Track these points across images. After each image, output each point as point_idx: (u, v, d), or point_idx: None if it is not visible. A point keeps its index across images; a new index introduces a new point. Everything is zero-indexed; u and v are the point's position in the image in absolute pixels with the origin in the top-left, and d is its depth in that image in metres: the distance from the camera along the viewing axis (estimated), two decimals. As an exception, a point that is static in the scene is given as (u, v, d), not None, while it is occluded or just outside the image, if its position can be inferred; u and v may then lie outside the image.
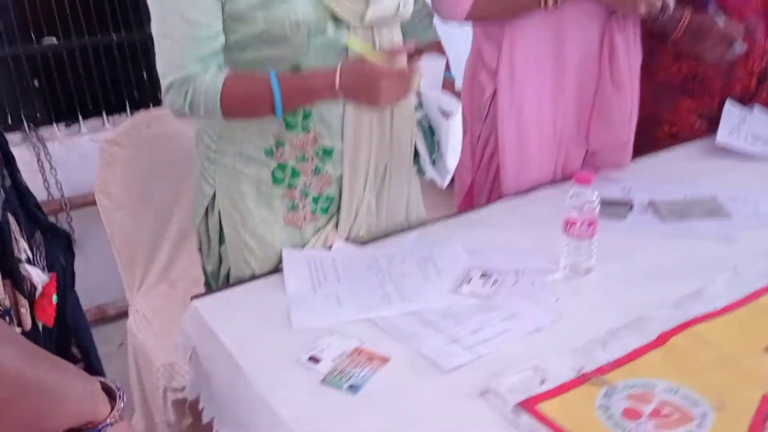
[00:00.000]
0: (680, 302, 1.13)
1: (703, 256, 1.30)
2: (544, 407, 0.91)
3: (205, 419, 1.09)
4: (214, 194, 1.28)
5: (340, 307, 1.16)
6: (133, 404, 1.80)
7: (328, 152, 1.27)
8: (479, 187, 1.74)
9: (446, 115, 1.27)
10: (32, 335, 0.74)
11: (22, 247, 0.73)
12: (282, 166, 1.25)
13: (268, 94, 1.11)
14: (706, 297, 1.14)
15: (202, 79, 1.11)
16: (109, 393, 0.69)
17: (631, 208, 1.50)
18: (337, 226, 1.34)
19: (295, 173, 1.26)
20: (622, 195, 1.58)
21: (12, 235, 0.71)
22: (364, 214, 1.36)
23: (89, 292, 2.50)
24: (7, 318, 0.70)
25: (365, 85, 1.10)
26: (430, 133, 1.34)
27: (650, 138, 1.83)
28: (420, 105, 1.35)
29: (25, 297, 0.72)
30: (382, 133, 1.31)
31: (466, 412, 0.93)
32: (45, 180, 2.40)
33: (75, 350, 0.94)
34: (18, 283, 0.71)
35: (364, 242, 1.38)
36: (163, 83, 1.13)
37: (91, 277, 2.32)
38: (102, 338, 2.46)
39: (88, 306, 2.47)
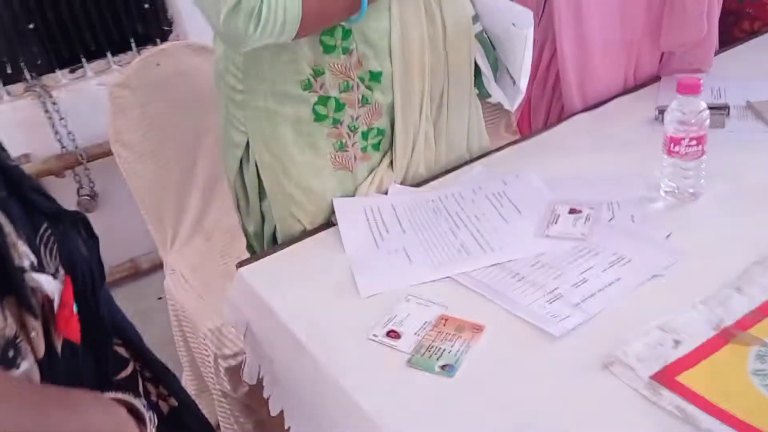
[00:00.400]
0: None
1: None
2: (686, 378, 0.75)
3: (273, 411, 0.95)
4: (247, 143, 1.09)
5: (411, 265, 0.99)
6: (181, 364, 1.69)
7: (375, 76, 1.07)
8: (536, 101, 1.53)
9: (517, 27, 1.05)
10: (48, 362, 0.58)
11: (22, 252, 0.56)
12: (324, 100, 1.05)
13: None
14: None
15: (281, 1, 0.89)
16: (137, 414, 0.61)
17: (728, 113, 1.29)
18: (392, 164, 1.15)
19: (339, 106, 1.06)
20: (712, 99, 1.36)
21: (6, 239, 0.54)
22: (422, 146, 1.16)
23: (120, 247, 2.41)
24: (12, 351, 0.54)
25: None
26: (492, 48, 1.13)
27: (729, 37, 1.58)
28: (477, 16, 1.13)
29: (35, 316, 0.56)
30: (435, 50, 1.10)
31: (588, 388, 0.77)
32: (56, 132, 2.22)
33: (121, 350, 0.79)
34: (24, 299, 0.55)
35: (424, 180, 1.19)
36: (224, 7, 0.88)
37: (119, 231, 2.20)
38: (138, 293, 2.39)
39: (120, 261, 2.34)
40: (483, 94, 1.19)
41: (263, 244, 1.18)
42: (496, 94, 1.16)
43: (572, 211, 1.06)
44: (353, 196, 1.14)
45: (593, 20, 1.35)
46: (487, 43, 1.13)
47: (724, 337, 0.79)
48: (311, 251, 1.07)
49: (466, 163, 1.25)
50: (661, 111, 1.31)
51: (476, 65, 1.16)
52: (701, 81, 1.00)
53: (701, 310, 0.83)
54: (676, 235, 0.98)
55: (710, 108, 1.27)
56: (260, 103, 1.05)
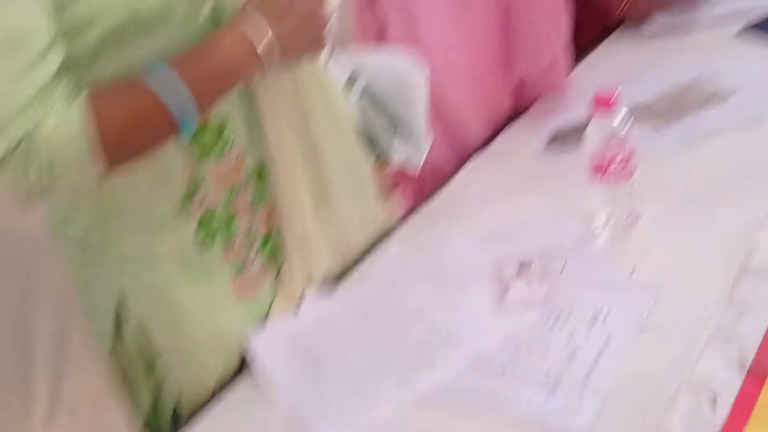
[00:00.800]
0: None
1: (739, 151, 1.06)
2: (749, 442, 0.63)
3: None
4: (119, 302, 0.85)
5: (370, 392, 0.80)
6: None
7: (261, 170, 0.89)
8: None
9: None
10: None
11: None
12: (208, 217, 0.84)
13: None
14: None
15: (49, 126, 0.68)
16: None
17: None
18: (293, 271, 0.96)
19: (228, 218, 0.86)
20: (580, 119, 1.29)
21: None
22: (319, 240, 0.98)
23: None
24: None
25: (303, 18, 0.79)
26: (381, 104, 0.99)
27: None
28: (353, 76, 0.99)
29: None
30: (308, 136, 0.93)
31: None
32: None
33: None
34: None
35: (339, 275, 1.01)
36: None
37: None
38: None
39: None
40: (384, 158, 1.04)
41: (162, 422, 0.91)
42: (401, 150, 1.03)
43: (519, 271, 0.93)
44: (265, 325, 0.92)
45: (434, 49, 1.25)
46: (375, 101, 0.99)
47: (758, 379, 0.68)
48: (236, 412, 0.84)
49: (377, 244, 1.09)
50: (554, 139, 1.24)
51: (367, 131, 1.01)
52: (614, 93, 0.91)
53: (716, 351, 0.73)
54: (639, 267, 0.88)
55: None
56: (127, 247, 0.82)
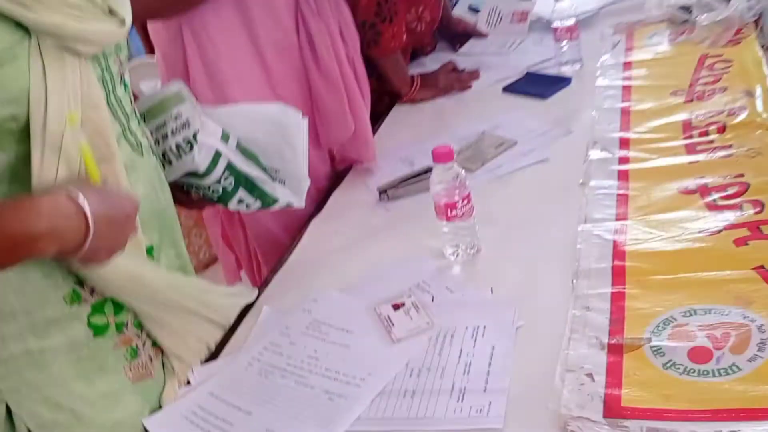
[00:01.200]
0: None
1: (535, 183, 1.29)
2: (629, 401, 0.77)
3: None
4: (7, 409, 0.76)
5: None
6: None
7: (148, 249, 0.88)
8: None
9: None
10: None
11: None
12: (99, 306, 0.81)
13: None
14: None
15: None
16: None
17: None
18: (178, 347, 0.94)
19: (118, 304, 0.83)
20: (412, 168, 1.45)
21: None
22: (191, 317, 0.98)
23: None
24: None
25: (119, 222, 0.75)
26: (257, 155, 1.04)
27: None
28: (227, 134, 1.01)
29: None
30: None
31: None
32: None
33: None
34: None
35: (221, 347, 1.01)
36: None
37: None
38: None
39: None
40: (268, 204, 1.07)
41: None
42: (283, 194, 1.08)
43: (396, 307, 1.02)
44: (160, 407, 0.89)
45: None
46: (250, 152, 1.03)
47: (616, 352, 0.84)
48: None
49: (247, 311, 1.10)
50: (383, 190, 1.37)
51: (250, 180, 1.04)
52: (450, 147, 1.06)
53: (579, 339, 0.88)
54: (496, 285, 1.02)
55: (417, 175, 1.38)
56: (15, 348, 0.75)
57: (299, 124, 1.06)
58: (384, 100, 1.75)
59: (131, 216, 0.78)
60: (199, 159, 0.94)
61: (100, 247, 0.72)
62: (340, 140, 1.48)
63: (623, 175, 1.18)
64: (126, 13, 0.79)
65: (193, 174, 0.96)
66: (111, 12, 0.76)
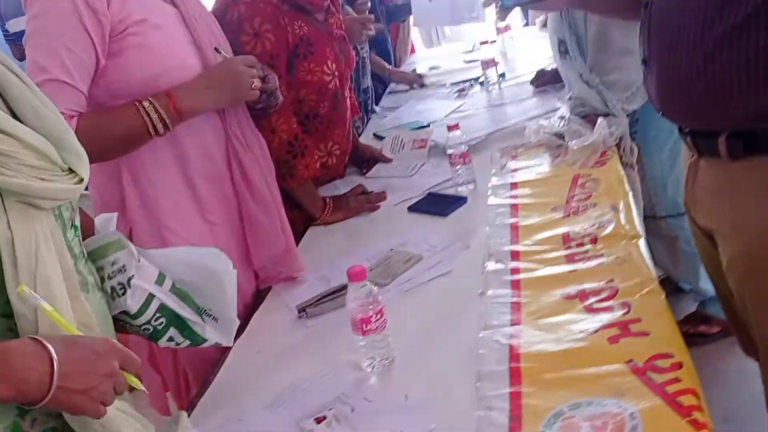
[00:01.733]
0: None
1: (441, 293, 1.42)
2: None
3: None
4: None
5: None
6: None
7: None
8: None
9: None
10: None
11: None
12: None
13: None
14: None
15: None
16: None
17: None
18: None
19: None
20: (330, 285, 1.56)
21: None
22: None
23: None
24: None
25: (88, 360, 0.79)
26: (189, 296, 1.11)
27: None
28: (163, 275, 1.09)
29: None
30: None
31: None
32: None
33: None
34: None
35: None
36: None
37: None
38: None
39: None
40: (198, 342, 1.14)
41: None
42: (212, 335, 1.14)
43: (318, 421, 1.09)
44: None
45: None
46: (184, 293, 1.11)
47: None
48: None
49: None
50: (302, 309, 1.47)
51: (182, 319, 1.10)
52: (363, 267, 1.19)
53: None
54: (409, 391, 1.13)
55: (336, 292, 1.49)
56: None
57: (229, 271, 1.15)
58: (298, 226, 1.88)
59: (101, 354, 0.79)
60: (132, 302, 1.02)
61: (72, 389, 0.73)
62: (274, 257, 1.58)
63: (515, 285, 1.34)
64: (84, 171, 0.89)
65: (126, 313, 1.03)
66: (71, 171, 0.86)
